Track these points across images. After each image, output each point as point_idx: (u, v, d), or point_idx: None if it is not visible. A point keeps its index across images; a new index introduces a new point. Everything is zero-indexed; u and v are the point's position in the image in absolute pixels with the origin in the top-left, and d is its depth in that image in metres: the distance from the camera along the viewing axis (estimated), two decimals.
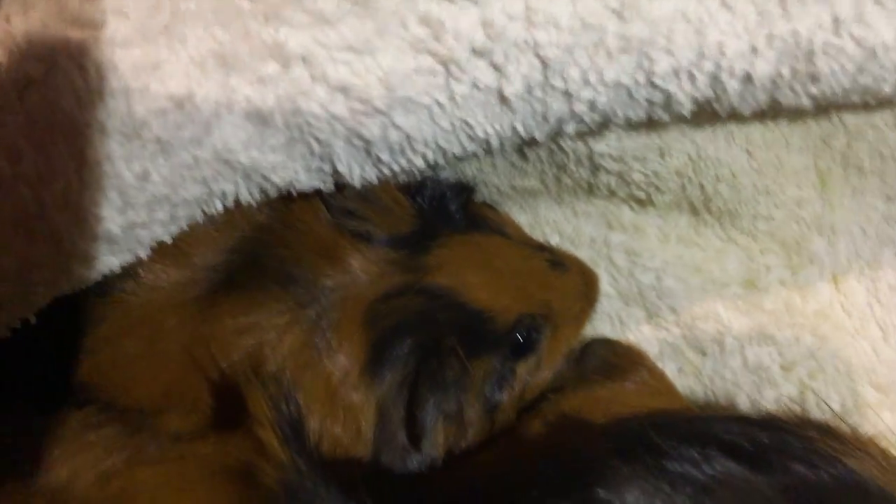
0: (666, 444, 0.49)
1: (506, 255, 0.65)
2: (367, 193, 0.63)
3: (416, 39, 0.42)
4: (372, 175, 0.50)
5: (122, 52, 0.43)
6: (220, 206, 0.48)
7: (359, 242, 0.62)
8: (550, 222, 0.84)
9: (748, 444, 0.52)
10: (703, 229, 0.84)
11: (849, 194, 0.82)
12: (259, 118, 0.43)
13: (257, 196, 0.49)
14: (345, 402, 0.61)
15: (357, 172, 0.48)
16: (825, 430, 0.56)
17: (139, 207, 0.45)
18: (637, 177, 0.75)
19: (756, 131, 0.75)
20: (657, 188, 0.77)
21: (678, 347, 0.84)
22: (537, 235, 0.83)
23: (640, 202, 0.82)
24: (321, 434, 0.61)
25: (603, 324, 0.86)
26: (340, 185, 0.52)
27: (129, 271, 0.63)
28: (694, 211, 0.82)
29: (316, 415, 0.60)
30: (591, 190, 0.80)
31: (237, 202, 0.48)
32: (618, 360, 0.76)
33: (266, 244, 0.63)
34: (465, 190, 0.72)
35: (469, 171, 0.75)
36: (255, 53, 0.42)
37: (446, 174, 0.74)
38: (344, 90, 0.43)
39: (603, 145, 0.71)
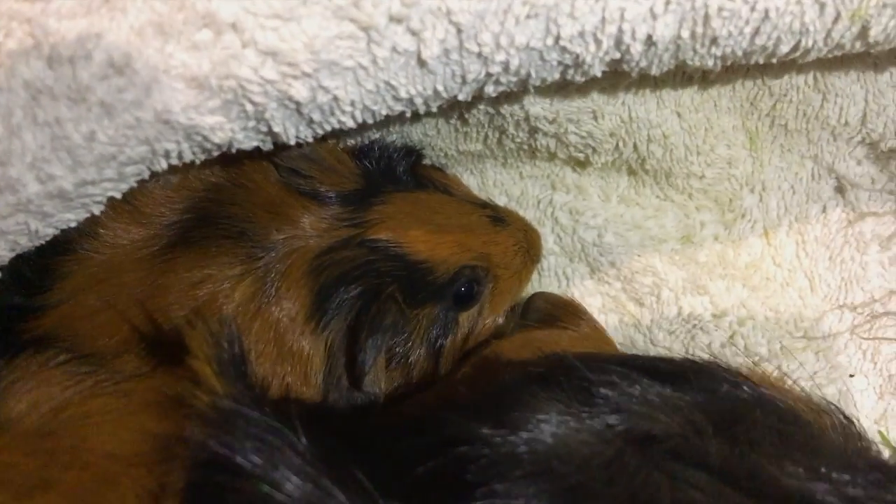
0: (587, 369, 0.52)
1: (447, 211, 0.69)
2: (314, 154, 0.67)
3: (338, 7, 0.46)
4: (307, 134, 0.54)
5: (69, 22, 0.47)
6: (164, 165, 0.52)
7: (307, 200, 0.66)
8: (498, 184, 0.89)
9: (667, 366, 0.55)
10: (641, 189, 0.89)
11: (777, 153, 0.87)
12: (195, 82, 0.47)
13: (200, 155, 0.52)
14: (292, 348, 0.65)
15: (292, 132, 0.52)
16: (747, 369, 0.60)
17: (88, 166, 0.49)
18: (573, 138, 0.79)
19: (685, 94, 0.80)
20: (594, 149, 0.81)
21: (619, 300, 0.89)
22: (486, 197, 0.87)
23: (580, 163, 0.86)
24: (272, 378, 0.66)
25: (550, 280, 0.91)
26: (280, 145, 0.56)
27: (90, 231, 0.68)
28: (632, 171, 0.87)
29: (266, 360, 0.65)
30: (533, 153, 0.84)
31: (181, 160, 0.52)
32: (557, 311, 0.81)
33: (219, 203, 0.67)
34: (411, 153, 0.76)
35: (415, 135, 0.79)
36: (190, 22, 0.46)
37: (394, 138, 0.79)
38: (273, 54, 0.47)
39: (538, 108, 0.75)
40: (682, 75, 0.77)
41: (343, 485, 0.44)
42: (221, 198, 0.68)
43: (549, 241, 0.89)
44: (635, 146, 0.81)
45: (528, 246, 0.78)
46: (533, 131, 0.78)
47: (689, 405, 0.52)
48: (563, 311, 0.80)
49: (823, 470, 0.49)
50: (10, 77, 0.47)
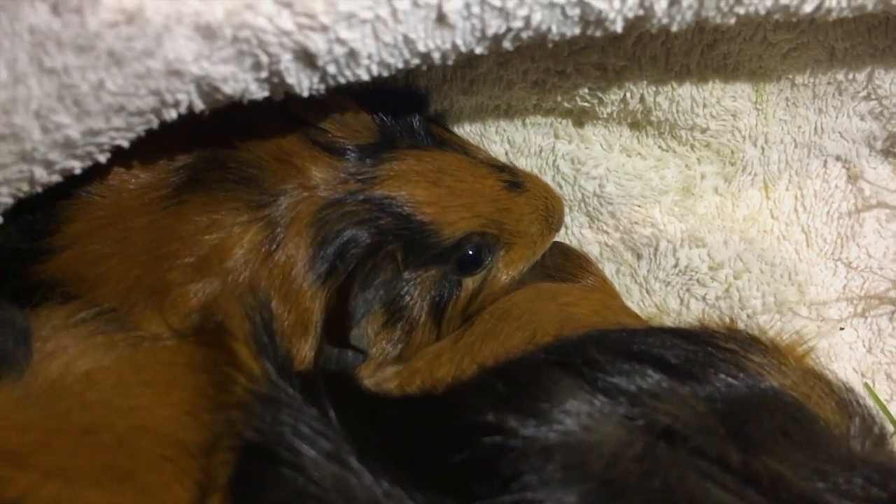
0: (603, 358, 0.53)
1: (460, 174, 0.68)
2: (329, 106, 0.65)
3: None
4: (320, 87, 0.52)
5: None
6: (174, 114, 0.51)
7: (319, 151, 0.65)
8: (500, 131, 0.87)
9: (676, 358, 0.57)
10: (644, 139, 0.88)
11: (782, 106, 0.86)
12: (208, 31, 0.45)
13: (210, 105, 0.51)
14: (296, 295, 0.65)
15: (305, 84, 0.51)
16: (748, 343, 0.61)
17: (96, 115, 0.48)
18: (581, 89, 0.78)
19: (696, 46, 0.78)
20: (600, 100, 0.80)
21: (616, 249, 0.89)
22: (488, 144, 0.86)
23: (585, 114, 0.85)
24: (277, 318, 0.66)
25: None
26: (292, 95, 0.54)
27: (95, 174, 0.67)
28: (636, 123, 0.86)
29: (273, 301, 0.65)
30: (538, 103, 0.83)
31: (191, 111, 0.51)
32: (568, 263, 0.81)
33: (230, 146, 0.66)
34: (418, 100, 0.74)
35: (422, 80, 0.77)
36: None
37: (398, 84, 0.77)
38: (289, 4, 0.45)
39: (549, 62, 0.74)
40: (694, 25, 0.75)
41: (373, 469, 0.45)
42: (233, 142, 0.67)
43: None
44: (642, 97, 0.80)
45: (546, 213, 0.76)
46: (541, 86, 0.77)
47: (700, 401, 0.54)
48: (572, 264, 0.80)
49: (827, 471, 0.51)
50: (14, 21, 0.45)
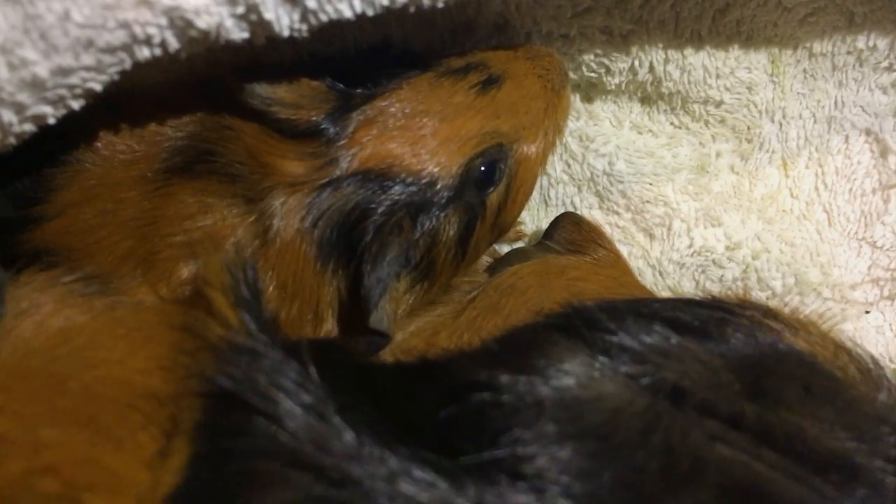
0: (607, 318, 0.49)
1: (426, 107, 0.62)
2: (280, 95, 0.62)
3: None
4: (302, 27, 0.49)
5: None
6: (147, 53, 0.48)
7: (285, 142, 0.62)
8: None
9: (688, 317, 0.52)
10: (655, 115, 0.85)
11: (800, 79, 0.83)
12: None
13: (185, 43, 0.48)
14: (299, 282, 0.63)
15: (285, 22, 0.48)
16: (765, 311, 0.57)
17: (64, 51, 0.46)
18: (586, 56, 0.75)
19: (706, 12, 0.75)
20: (608, 69, 0.77)
21: (628, 231, 0.86)
22: None
23: (592, 87, 0.82)
24: (281, 311, 0.63)
25: (557, 210, 0.87)
26: (272, 40, 0.52)
27: (87, 144, 0.65)
28: (646, 98, 0.83)
29: (273, 294, 0.63)
30: None
31: (166, 49, 0.48)
32: (579, 236, 0.77)
33: (213, 140, 0.64)
34: (416, 62, 0.70)
35: (420, 48, 0.75)
36: None
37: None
38: None
39: (549, 23, 0.71)
40: None
41: (354, 425, 0.42)
42: (216, 136, 0.64)
43: (557, 169, 0.85)
44: (651, 66, 0.77)
45: (542, 81, 0.68)
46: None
47: (714, 357, 0.49)
48: (584, 237, 0.76)
49: (856, 427, 0.47)
50: None
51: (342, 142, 0.61)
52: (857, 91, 0.83)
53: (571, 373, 0.45)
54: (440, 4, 0.51)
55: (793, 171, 0.86)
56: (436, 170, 0.62)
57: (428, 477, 0.39)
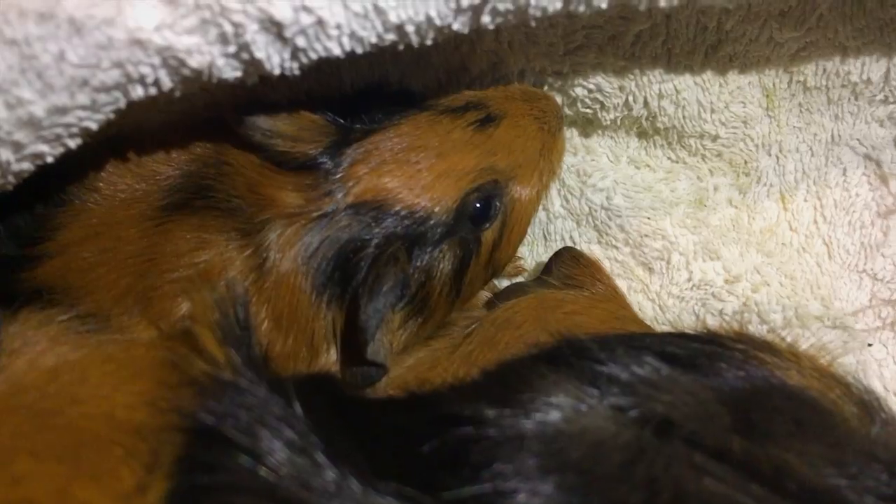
0: (597, 348, 0.50)
1: (422, 143, 0.64)
2: (281, 128, 0.63)
3: None
4: (292, 66, 0.51)
5: None
6: (141, 92, 0.49)
7: (283, 175, 0.63)
8: None
9: (680, 350, 0.52)
10: (652, 150, 0.85)
11: (795, 113, 0.83)
12: (169, 0, 0.44)
13: (178, 82, 0.50)
14: (294, 315, 0.63)
15: (276, 61, 0.49)
16: (760, 344, 0.57)
17: (59, 91, 0.47)
18: (579, 91, 0.76)
19: (699, 46, 0.76)
20: (602, 104, 0.78)
21: (627, 265, 0.85)
22: None
23: (589, 123, 0.83)
24: (276, 344, 0.64)
25: (556, 244, 0.88)
26: (267, 80, 0.53)
27: (88, 183, 0.67)
28: (643, 133, 0.84)
29: (269, 327, 0.63)
30: None
31: (160, 88, 0.50)
32: (577, 271, 0.77)
33: (211, 176, 0.65)
34: (413, 101, 0.71)
35: (417, 87, 0.76)
36: None
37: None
38: None
39: (542, 60, 0.72)
40: (696, 24, 0.73)
41: (337, 461, 0.42)
42: (214, 172, 0.66)
43: (555, 204, 0.86)
44: (646, 101, 0.78)
45: (538, 123, 0.69)
46: (537, 86, 0.75)
47: (703, 390, 0.49)
48: (582, 272, 0.76)
49: (846, 463, 0.46)
50: None
51: (339, 175, 0.62)
52: (854, 124, 0.83)
53: (557, 406, 0.45)
54: (429, 42, 0.52)
55: (791, 205, 0.86)
56: (431, 203, 0.63)
57: None
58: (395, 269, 0.61)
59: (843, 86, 0.80)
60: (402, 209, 0.63)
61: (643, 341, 0.54)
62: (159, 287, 0.64)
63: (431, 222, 0.64)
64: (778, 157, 0.85)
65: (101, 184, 0.67)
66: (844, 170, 0.84)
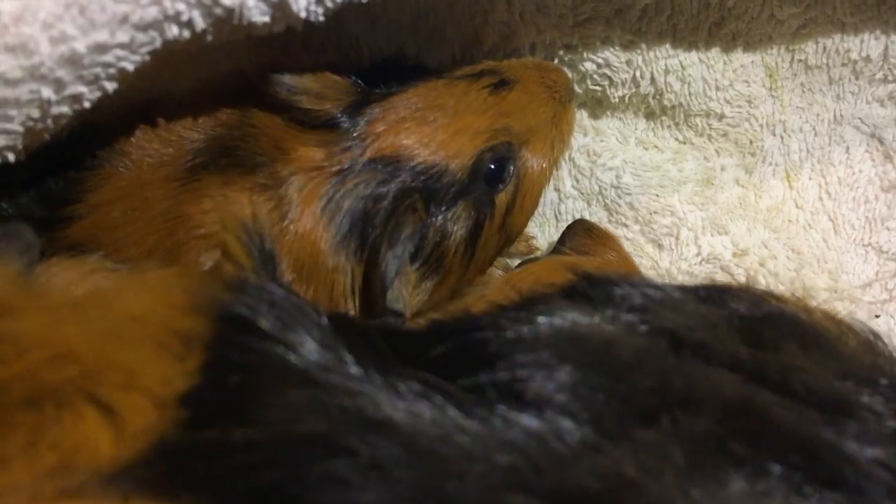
0: (612, 276, 0.52)
1: (439, 103, 0.67)
2: (301, 84, 0.66)
3: None
4: (317, 8, 0.54)
5: None
6: (175, 31, 0.52)
7: (305, 132, 0.66)
8: None
9: (692, 288, 0.55)
10: (660, 131, 0.88)
11: (798, 92, 0.86)
12: None
13: (210, 24, 0.53)
14: (316, 269, 0.65)
15: (303, 3, 0.53)
16: (768, 292, 0.59)
17: (101, 27, 0.50)
18: (588, 66, 0.79)
19: (702, 23, 0.79)
20: (610, 80, 0.81)
21: (637, 243, 0.88)
22: None
23: (597, 102, 0.86)
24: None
25: (568, 224, 0.90)
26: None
27: (118, 148, 0.70)
28: (651, 113, 0.87)
29: (289, 275, 0.65)
30: None
31: (193, 29, 0.53)
32: (589, 241, 0.80)
33: (236, 138, 0.69)
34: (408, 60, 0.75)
35: (429, 61, 0.79)
36: None
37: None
38: None
39: (553, 32, 0.75)
40: (699, 1, 0.76)
41: (359, 355, 0.43)
42: (238, 134, 0.69)
43: (566, 185, 0.88)
44: (652, 77, 0.81)
45: (550, 91, 0.72)
46: (549, 59, 0.78)
47: (713, 313, 0.51)
48: (594, 242, 0.78)
49: (852, 374, 0.48)
50: None
51: (358, 132, 0.65)
52: (855, 104, 0.86)
53: (571, 316, 0.47)
54: None
55: (796, 183, 0.88)
56: (447, 159, 0.66)
57: (437, 400, 0.41)
58: (413, 217, 0.64)
59: (843, 64, 0.83)
60: (418, 164, 0.65)
61: (657, 281, 0.56)
62: (186, 243, 0.66)
63: (447, 178, 0.66)
64: (782, 137, 0.87)
65: (130, 149, 0.71)
66: (847, 148, 0.87)
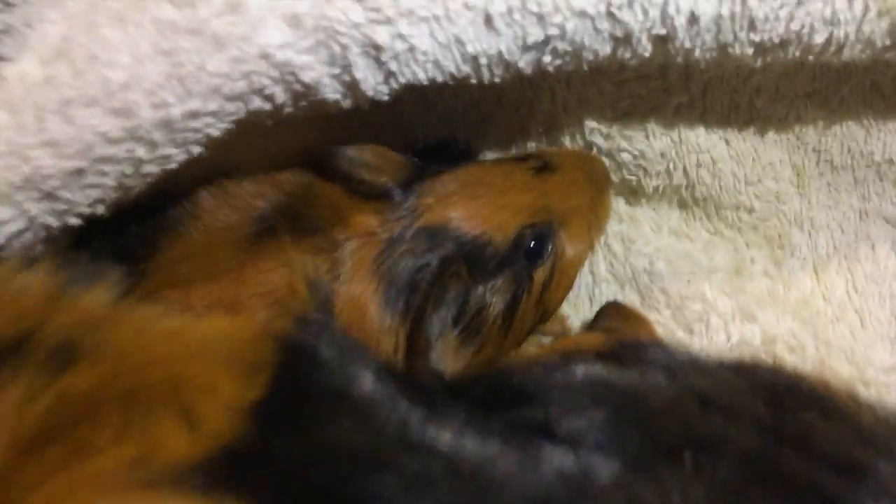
0: (643, 341, 0.56)
1: (487, 181, 0.73)
2: (361, 158, 0.74)
3: None
4: (384, 90, 0.61)
5: None
6: (258, 103, 0.59)
7: (362, 201, 0.73)
8: None
9: (719, 357, 0.59)
10: (692, 222, 0.93)
11: (824, 191, 0.91)
12: (294, 20, 0.55)
13: (289, 97, 0.60)
14: (363, 327, 0.70)
15: (371, 83, 0.60)
16: (791, 367, 0.62)
17: (195, 96, 0.57)
18: (625, 157, 0.85)
19: (732, 121, 0.85)
20: (645, 170, 0.87)
21: (668, 327, 0.91)
22: None
23: (633, 192, 0.91)
24: None
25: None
26: (357, 106, 0.63)
27: (191, 212, 0.77)
28: (683, 204, 0.92)
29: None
30: None
31: (273, 103, 0.60)
32: (624, 322, 0.84)
33: (298, 205, 0.75)
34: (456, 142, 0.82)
35: (477, 145, 0.86)
36: None
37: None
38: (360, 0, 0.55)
39: (593, 121, 0.82)
40: (729, 101, 0.83)
41: (408, 391, 0.48)
42: (299, 201, 0.76)
43: (601, 268, 0.93)
44: (685, 170, 0.86)
45: (589, 178, 0.78)
46: (588, 148, 0.84)
47: (736, 378, 0.55)
48: (627, 323, 0.82)
49: (870, 440, 0.51)
50: (141, 13, 0.56)
51: (410, 203, 0.71)
52: (880, 203, 0.90)
53: (605, 369, 0.51)
54: (496, 77, 0.62)
55: (824, 277, 0.92)
56: (490, 232, 0.71)
57: (478, 431, 0.44)
58: (457, 283, 0.69)
59: (867, 166, 0.87)
60: (464, 235, 0.71)
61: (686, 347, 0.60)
62: (244, 300, 0.72)
63: (490, 250, 0.71)
64: (810, 233, 0.91)
65: (201, 213, 0.77)
66: (873, 245, 0.91)
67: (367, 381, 0.46)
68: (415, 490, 0.39)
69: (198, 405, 0.40)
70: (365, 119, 0.80)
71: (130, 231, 0.78)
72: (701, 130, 0.84)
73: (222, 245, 0.75)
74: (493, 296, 0.73)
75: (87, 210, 0.63)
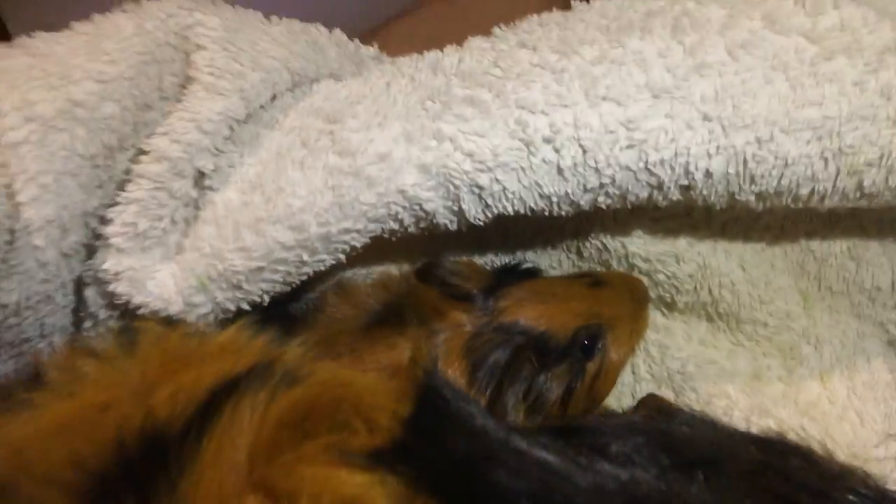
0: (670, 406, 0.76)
1: (552, 290, 0.94)
2: (456, 269, 0.96)
3: (512, 130, 0.78)
4: (481, 216, 0.84)
5: (357, 135, 0.82)
6: (391, 224, 0.83)
7: (455, 301, 0.95)
8: None
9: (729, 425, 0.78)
10: (717, 333, 1.13)
11: (827, 312, 1.10)
12: (423, 168, 0.79)
13: (412, 220, 0.83)
14: None
15: (472, 212, 0.83)
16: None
17: (349, 218, 0.81)
18: (661, 277, 1.06)
19: (747, 251, 1.06)
20: (677, 289, 1.08)
21: None
22: None
23: (667, 305, 1.12)
24: None
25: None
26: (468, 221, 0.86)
27: (320, 307, 1.00)
28: (709, 317, 1.12)
29: None
30: None
31: (402, 225, 0.83)
32: (657, 413, 1.03)
33: (404, 303, 0.98)
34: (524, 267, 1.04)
35: (543, 265, 1.09)
36: (425, 134, 0.80)
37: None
38: (471, 155, 0.79)
39: (635, 247, 1.04)
40: (743, 236, 1.04)
41: (506, 424, 0.68)
42: (405, 301, 0.98)
43: (641, 369, 1.13)
44: (710, 290, 1.07)
45: (632, 294, 0.98)
46: (630, 268, 1.06)
47: (738, 434, 0.74)
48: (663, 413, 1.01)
49: (844, 482, 0.69)
50: (316, 160, 0.81)
51: (490, 306, 0.93)
52: (874, 324, 1.09)
53: (641, 417, 0.71)
54: (563, 211, 0.85)
55: (829, 384, 1.09)
56: (553, 329, 0.92)
57: (558, 451, 0.64)
58: (528, 366, 0.89)
59: (860, 292, 1.07)
60: (532, 330, 0.92)
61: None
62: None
63: (553, 343, 0.92)
64: (816, 347, 1.10)
65: (326, 307, 1.00)
66: (868, 358, 1.09)
67: (477, 413, 0.67)
68: (516, 477, 0.59)
69: (373, 415, 0.61)
70: (457, 238, 1.04)
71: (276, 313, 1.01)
72: (722, 258, 1.05)
73: (341, 333, 0.98)
74: (553, 381, 0.93)
75: (257, 298, 0.86)
